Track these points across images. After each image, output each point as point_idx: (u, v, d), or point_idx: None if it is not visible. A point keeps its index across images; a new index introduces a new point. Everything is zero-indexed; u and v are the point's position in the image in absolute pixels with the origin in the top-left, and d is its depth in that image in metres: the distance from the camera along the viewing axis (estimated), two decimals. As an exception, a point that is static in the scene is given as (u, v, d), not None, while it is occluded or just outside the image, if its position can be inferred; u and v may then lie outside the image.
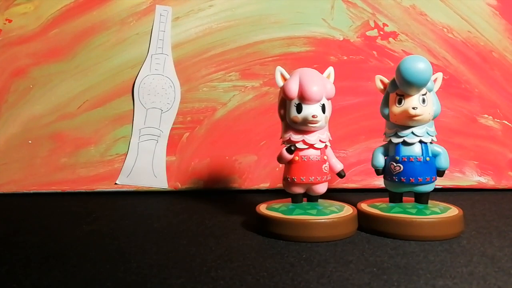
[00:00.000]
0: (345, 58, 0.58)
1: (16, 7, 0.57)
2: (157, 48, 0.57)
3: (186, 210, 0.47)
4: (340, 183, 0.55)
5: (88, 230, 0.38)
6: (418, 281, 0.26)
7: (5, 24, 0.57)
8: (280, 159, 0.37)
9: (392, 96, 0.37)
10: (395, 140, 0.37)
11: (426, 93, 0.36)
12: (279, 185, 0.44)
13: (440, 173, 0.37)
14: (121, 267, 0.29)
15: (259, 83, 0.57)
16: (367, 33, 0.58)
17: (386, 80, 0.38)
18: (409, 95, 0.35)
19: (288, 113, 0.36)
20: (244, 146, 0.57)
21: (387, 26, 0.58)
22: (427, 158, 0.36)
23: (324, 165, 0.37)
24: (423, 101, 0.35)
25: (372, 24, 0.58)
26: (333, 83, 0.37)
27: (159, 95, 0.56)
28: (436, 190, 0.39)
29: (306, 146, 0.36)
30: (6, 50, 0.57)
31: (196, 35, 0.58)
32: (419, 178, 0.36)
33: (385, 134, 0.38)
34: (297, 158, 0.36)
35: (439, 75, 0.37)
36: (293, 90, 0.35)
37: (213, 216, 0.43)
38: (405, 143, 0.36)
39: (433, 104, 0.36)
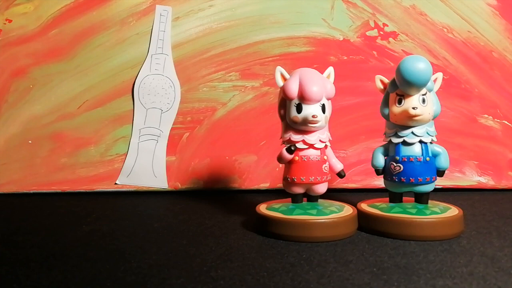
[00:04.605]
0: (345, 58, 0.58)
1: (16, 7, 0.57)
2: (157, 48, 0.57)
3: (186, 210, 0.47)
4: (340, 183, 0.55)
5: (88, 230, 0.38)
6: (418, 281, 0.26)
7: (5, 24, 0.57)
8: (280, 159, 0.37)
9: (392, 96, 0.37)
10: (395, 140, 0.37)
11: (426, 93, 0.36)
12: (279, 185, 0.44)
13: (440, 173, 0.37)
14: (121, 267, 0.29)
15: (259, 83, 0.57)
16: (367, 33, 0.58)
17: (386, 80, 0.38)
18: (409, 95, 0.35)
19: (288, 113, 0.36)
20: (244, 146, 0.57)
21: (387, 26, 0.58)
22: (427, 158, 0.36)
23: (324, 165, 0.37)
24: (423, 101, 0.35)
25: (372, 24, 0.58)
26: (333, 83, 0.37)
27: (159, 95, 0.56)
28: (436, 190, 0.39)
29: (306, 146, 0.36)
30: (6, 50, 0.57)
31: (196, 35, 0.58)
32: (419, 178, 0.36)
33: (385, 134, 0.38)
34: (297, 158, 0.36)
35: (439, 75, 0.37)
36: (293, 90, 0.35)
37: (213, 216, 0.43)
38: (405, 143, 0.36)
39: (433, 104, 0.36)
